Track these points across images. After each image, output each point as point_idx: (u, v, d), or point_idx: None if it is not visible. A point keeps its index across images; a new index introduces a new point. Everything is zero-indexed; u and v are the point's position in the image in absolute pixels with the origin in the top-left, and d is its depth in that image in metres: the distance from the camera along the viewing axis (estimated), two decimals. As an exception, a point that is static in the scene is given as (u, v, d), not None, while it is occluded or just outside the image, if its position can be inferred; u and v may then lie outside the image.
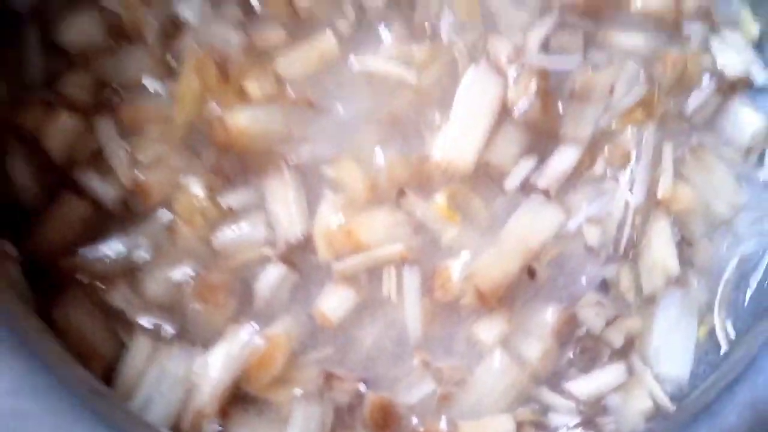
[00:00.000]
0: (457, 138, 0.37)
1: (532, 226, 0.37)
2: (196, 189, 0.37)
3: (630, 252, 0.37)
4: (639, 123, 0.40)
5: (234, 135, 0.37)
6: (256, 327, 0.35)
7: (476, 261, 0.36)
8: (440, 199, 0.37)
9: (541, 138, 0.38)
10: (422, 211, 0.37)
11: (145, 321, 0.36)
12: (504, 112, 0.38)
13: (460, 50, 0.39)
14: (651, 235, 0.37)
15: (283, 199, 0.37)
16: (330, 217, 0.37)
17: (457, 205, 0.37)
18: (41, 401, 0.28)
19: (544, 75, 0.39)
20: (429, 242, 0.37)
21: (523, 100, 0.38)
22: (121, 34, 0.40)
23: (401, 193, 0.37)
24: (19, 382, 0.27)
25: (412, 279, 0.36)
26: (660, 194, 0.38)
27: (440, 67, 0.39)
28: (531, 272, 0.36)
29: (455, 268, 0.36)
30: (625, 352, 0.36)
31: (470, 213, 0.37)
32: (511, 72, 0.39)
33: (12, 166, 0.37)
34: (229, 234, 0.37)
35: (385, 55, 0.39)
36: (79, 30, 0.40)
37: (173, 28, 0.40)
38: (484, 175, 0.38)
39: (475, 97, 0.38)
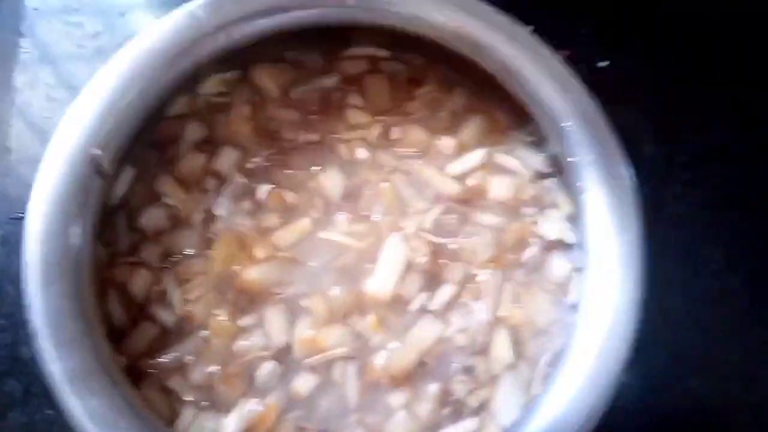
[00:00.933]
0: (381, 280, 0.52)
1: (424, 333, 0.51)
2: (223, 316, 0.50)
3: (483, 349, 0.51)
4: (491, 269, 0.53)
5: (247, 283, 0.51)
6: (257, 399, 0.49)
7: (391, 356, 0.50)
8: (371, 318, 0.51)
9: (432, 280, 0.52)
10: (360, 326, 0.51)
11: (190, 397, 0.49)
12: (409, 265, 0.52)
13: (384, 227, 0.53)
14: (496, 338, 0.51)
15: (275, 320, 0.51)
16: (304, 331, 0.50)
17: (381, 321, 0.51)
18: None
19: (433, 243, 0.53)
20: (363, 345, 0.50)
21: (421, 258, 0.53)
22: (178, 220, 0.53)
23: (347, 315, 0.51)
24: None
25: (351, 368, 0.50)
26: (502, 314, 0.51)
27: (373, 238, 0.53)
28: (422, 363, 0.50)
29: (378, 361, 0.50)
30: (479, 410, 0.49)
31: (389, 326, 0.51)
32: (414, 241, 0.53)
33: (110, 304, 0.50)
34: (242, 343, 0.50)
35: (340, 231, 0.53)
36: (151, 218, 0.53)
37: (210, 216, 0.53)
38: (397, 303, 0.51)
39: (391, 256, 0.52)
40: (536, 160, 0.58)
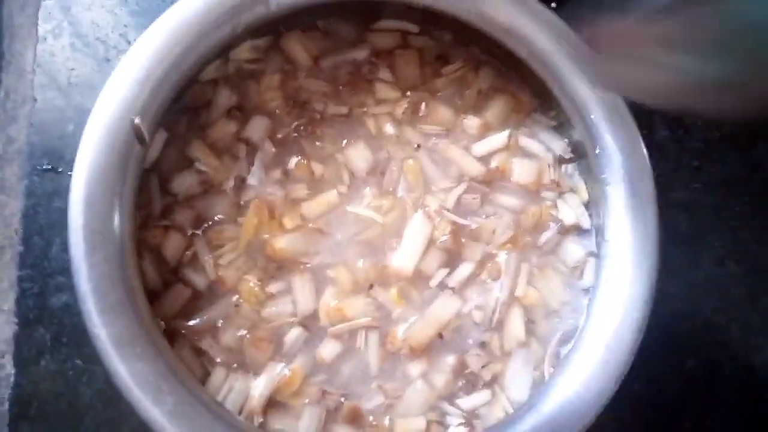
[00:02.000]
0: (404, 256, 0.53)
1: (443, 308, 0.52)
2: (253, 281, 0.51)
3: (498, 326, 0.52)
4: (508, 250, 0.54)
5: (276, 251, 0.52)
6: (284, 363, 0.50)
7: (411, 328, 0.52)
8: (393, 291, 0.52)
9: (452, 257, 0.53)
10: (382, 298, 0.52)
11: (221, 358, 0.50)
12: (431, 242, 0.53)
13: (409, 204, 0.54)
14: (510, 317, 0.53)
15: (302, 288, 0.52)
16: (329, 300, 0.51)
17: (402, 295, 0.52)
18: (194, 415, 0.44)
19: (455, 222, 0.54)
20: (385, 316, 0.52)
21: (442, 236, 0.53)
22: (209, 186, 0.53)
23: (371, 287, 0.52)
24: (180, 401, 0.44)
25: (373, 337, 0.51)
26: (517, 293, 0.53)
27: (397, 214, 0.54)
28: (441, 336, 0.51)
29: (399, 332, 0.51)
30: (491, 383, 0.51)
31: (410, 300, 0.52)
32: (437, 219, 0.54)
33: (144, 267, 0.50)
34: (270, 308, 0.51)
35: (365, 205, 0.54)
36: (183, 183, 0.53)
37: (242, 184, 0.53)
38: (419, 278, 0.52)
39: (415, 233, 0.53)
40: (558, 145, 0.59)
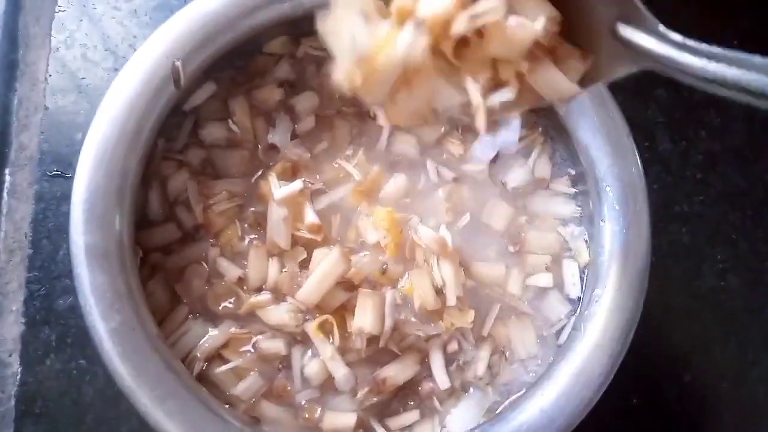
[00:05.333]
0: None
1: None
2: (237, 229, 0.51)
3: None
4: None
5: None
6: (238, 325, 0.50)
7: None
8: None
9: None
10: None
11: (187, 301, 0.50)
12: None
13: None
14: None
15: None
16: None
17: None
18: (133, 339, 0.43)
19: None
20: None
21: None
22: (234, 144, 0.53)
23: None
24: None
25: None
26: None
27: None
28: None
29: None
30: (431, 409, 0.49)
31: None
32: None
33: (150, 195, 0.50)
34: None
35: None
36: (212, 132, 0.53)
37: (269, 147, 0.53)
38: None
39: None
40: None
